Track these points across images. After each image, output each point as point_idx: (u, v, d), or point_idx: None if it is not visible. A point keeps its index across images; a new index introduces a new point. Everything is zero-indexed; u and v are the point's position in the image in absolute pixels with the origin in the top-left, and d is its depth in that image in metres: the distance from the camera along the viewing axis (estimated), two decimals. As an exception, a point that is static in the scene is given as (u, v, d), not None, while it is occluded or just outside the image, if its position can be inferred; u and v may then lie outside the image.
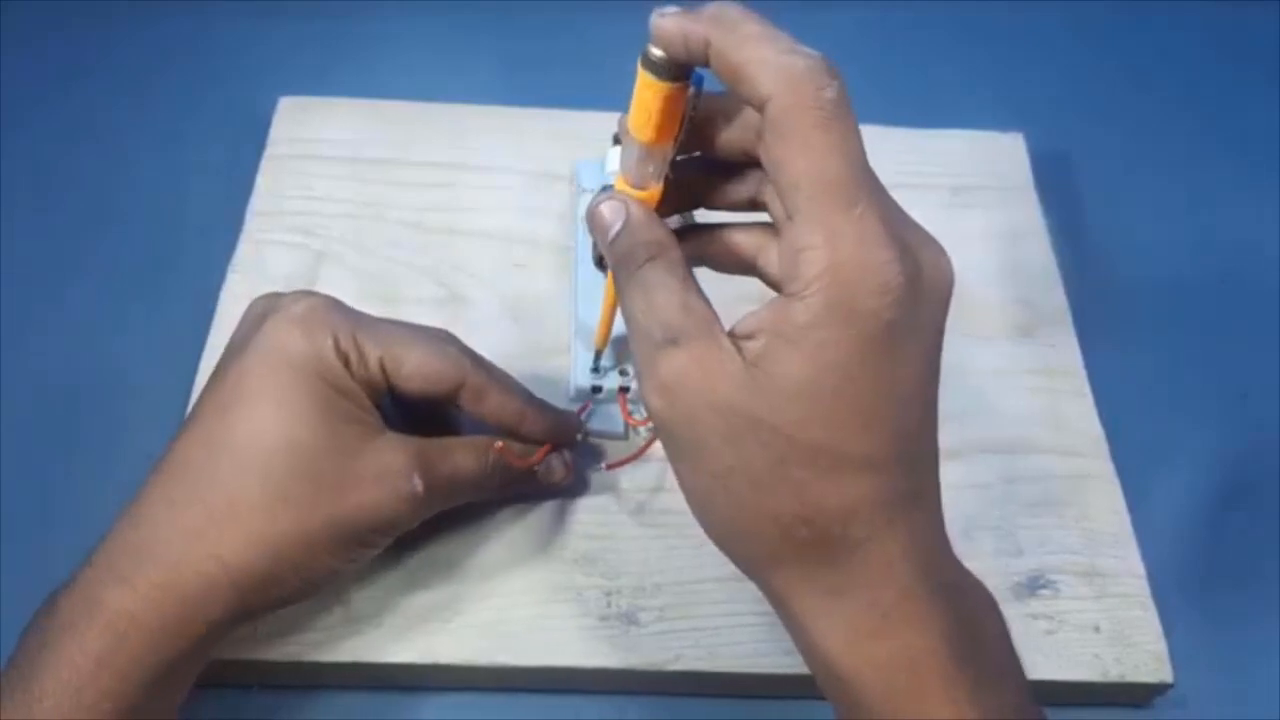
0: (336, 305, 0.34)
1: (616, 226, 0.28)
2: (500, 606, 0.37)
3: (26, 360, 0.44)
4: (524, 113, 0.51)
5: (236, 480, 0.30)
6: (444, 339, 0.36)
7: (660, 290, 0.27)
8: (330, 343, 0.32)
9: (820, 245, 0.25)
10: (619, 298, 0.29)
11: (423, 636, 0.36)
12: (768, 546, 0.27)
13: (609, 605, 0.37)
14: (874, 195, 0.25)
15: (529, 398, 0.37)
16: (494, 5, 0.58)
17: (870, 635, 0.26)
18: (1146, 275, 0.50)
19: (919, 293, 0.25)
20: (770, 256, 0.29)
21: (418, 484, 0.33)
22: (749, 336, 0.26)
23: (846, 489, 0.26)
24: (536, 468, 0.37)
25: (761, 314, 0.26)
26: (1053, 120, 0.55)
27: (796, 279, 0.25)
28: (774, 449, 0.25)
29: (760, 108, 0.25)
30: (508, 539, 0.38)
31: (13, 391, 0.43)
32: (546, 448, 0.37)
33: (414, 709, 0.37)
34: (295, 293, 0.34)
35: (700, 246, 0.30)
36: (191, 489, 0.30)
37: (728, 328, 0.27)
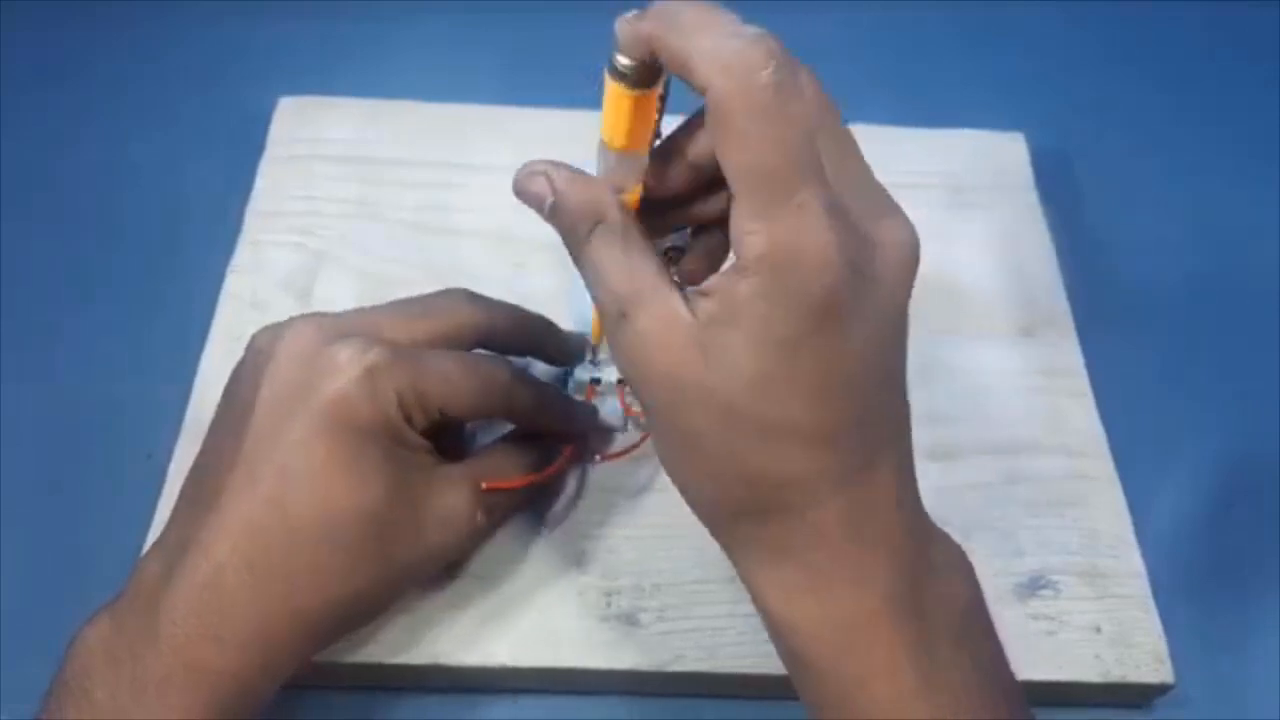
0: (395, 358, 0.32)
1: (548, 200, 0.29)
2: (499, 607, 0.37)
3: (25, 361, 0.44)
4: (524, 113, 0.51)
5: (314, 547, 0.31)
6: (488, 363, 0.35)
7: (605, 261, 0.28)
8: (395, 402, 0.31)
9: (758, 231, 0.25)
10: (579, 271, 0.29)
11: (421, 638, 0.36)
12: (715, 506, 0.29)
13: (609, 605, 0.37)
14: (817, 178, 0.25)
15: (557, 399, 0.38)
16: (494, 5, 0.58)
17: (805, 591, 0.27)
18: (1147, 275, 0.50)
19: (868, 272, 0.26)
20: None
21: (480, 519, 0.35)
22: (705, 294, 0.26)
23: (786, 458, 0.26)
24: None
25: (719, 276, 0.26)
26: (1053, 120, 0.55)
27: (740, 256, 0.25)
28: (717, 417, 0.26)
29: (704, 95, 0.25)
30: (506, 539, 0.38)
31: (11, 393, 0.43)
32: (562, 460, 0.37)
33: (412, 709, 0.37)
34: (348, 343, 0.32)
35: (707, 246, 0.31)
36: (268, 554, 0.30)
37: None
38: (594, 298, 0.29)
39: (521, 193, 0.30)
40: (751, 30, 0.25)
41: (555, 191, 0.29)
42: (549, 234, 0.49)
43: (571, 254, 0.29)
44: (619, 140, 0.28)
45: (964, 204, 0.50)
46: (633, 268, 0.27)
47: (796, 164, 0.25)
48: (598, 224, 0.28)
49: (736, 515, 0.28)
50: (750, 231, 0.25)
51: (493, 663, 0.36)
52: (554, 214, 0.29)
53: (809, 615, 0.28)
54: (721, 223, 0.31)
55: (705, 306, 0.26)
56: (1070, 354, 0.45)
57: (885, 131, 0.50)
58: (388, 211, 0.47)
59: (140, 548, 0.36)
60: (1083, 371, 0.45)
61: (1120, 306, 0.49)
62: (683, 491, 0.29)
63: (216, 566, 0.30)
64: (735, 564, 0.29)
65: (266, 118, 0.50)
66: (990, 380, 0.44)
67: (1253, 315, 0.50)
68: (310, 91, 0.51)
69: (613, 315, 0.28)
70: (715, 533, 0.29)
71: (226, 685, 0.30)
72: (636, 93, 0.27)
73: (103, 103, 0.53)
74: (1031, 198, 0.50)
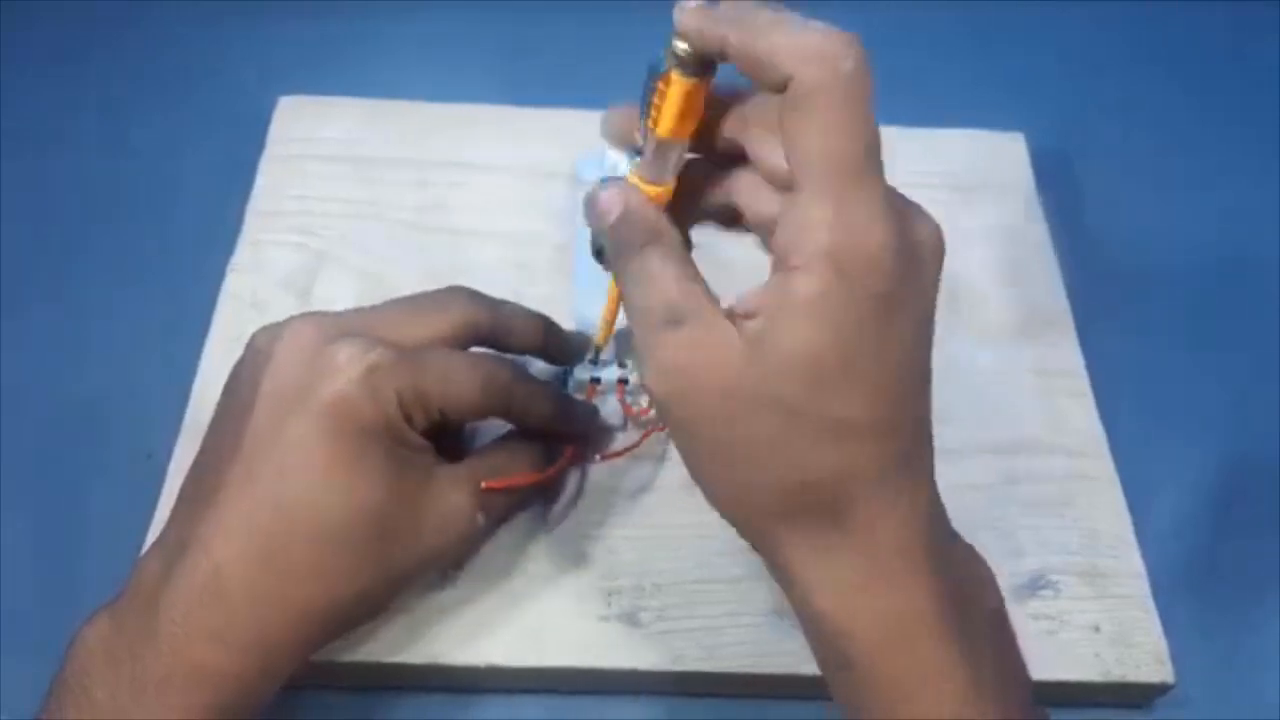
0: (395, 358, 0.32)
1: (615, 213, 0.29)
2: (499, 606, 0.37)
3: (25, 361, 0.44)
4: (524, 113, 0.51)
5: (314, 546, 0.31)
6: (489, 362, 0.35)
7: (660, 272, 0.28)
8: (395, 402, 0.32)
9: (827, 220, 0.25)
10: (618, 282, 0.29)
11: (421, 637, 0.36)
12: (766, 511, 0.28)
13: (609, 605, 0.37)
14: (879, 169, 0.26)
15: (557, 398, 0.38)
16: (493, 5, 0.58)
17: (861, 590, 0.27)
18: (1147, 275, 0.50)
19: (913, 264, 0.26)
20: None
21: (480, 519, 0.35)
22: (748, 315, 0.26)
23: (846, 454, 0.26)
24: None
25: (762, 292, 0.26)
26: (1053, 120, 0.55)
27: (800, 252, 0.25)
28: (775, 422, 0.26)
29: (783, 89, 0.26)
30: (506, 539, 0.38)
31: (11, 393, 0.43)
32: (563, 460, 0.38)
33: (411, 709, 0.37)
34: (348, 343, 0.32)
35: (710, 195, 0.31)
36: (267, 554, 0.30)
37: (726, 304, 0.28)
38: (637, 304, 0.28)
39: (593, 201, 0.30)
40: (821, 24, 0.26)
41: (628, 203, 0.29)
42: (549, 234, 0.49)
43: (619, 261, 0.29)
44: (666, 127, 0.28)
45: (964, 204, 0.50)
46: (687, 285, 0.28)
47: (867, 150, 0.25)
48: (655, 238, 0.28)
49: (789, 517, 0.28)
50: (818, 221, 0.25)
51: (492, 662, 0.36)
52: (617, 224, 0.29)
53: (860, 613, 0.27)
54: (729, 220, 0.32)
55: (751, 325, 0.26)
56: (1070, 354, 0.45)
57: (885, 131, 0.49)
58: (388, 211, 0.47)
59: (140, 548, 0.36)
60: (1083, 371, 0.45)
61: (1120, 306, 0.49)
62: (724, 506, 0.29)
63: (216, 566, 0.30)
64: (780, 566, 0.29)
65: (266, 118, 0.50)
66: (990, 380, 0.44)
67: (1253, 315, 0.50)
68: (310, 91, 0.51)
69: (659, 321, 0.27)
70: (762, 538, 0.29)
71: (227, 685, 0.30)
72: (692, 80, 0.27)
73: (102, 102, 0.53)
74: (1031, 198, 0.50)
